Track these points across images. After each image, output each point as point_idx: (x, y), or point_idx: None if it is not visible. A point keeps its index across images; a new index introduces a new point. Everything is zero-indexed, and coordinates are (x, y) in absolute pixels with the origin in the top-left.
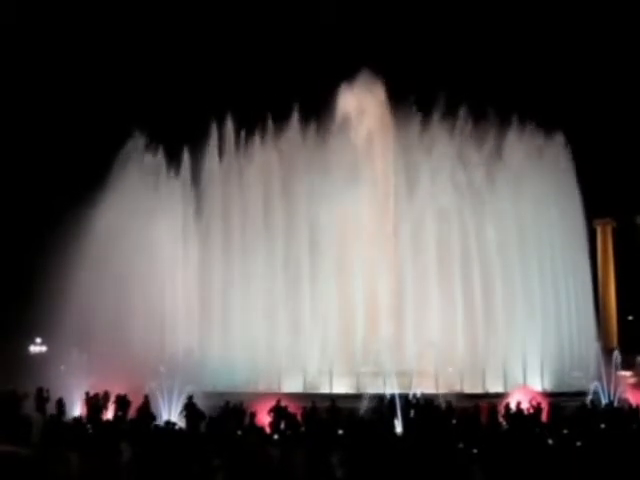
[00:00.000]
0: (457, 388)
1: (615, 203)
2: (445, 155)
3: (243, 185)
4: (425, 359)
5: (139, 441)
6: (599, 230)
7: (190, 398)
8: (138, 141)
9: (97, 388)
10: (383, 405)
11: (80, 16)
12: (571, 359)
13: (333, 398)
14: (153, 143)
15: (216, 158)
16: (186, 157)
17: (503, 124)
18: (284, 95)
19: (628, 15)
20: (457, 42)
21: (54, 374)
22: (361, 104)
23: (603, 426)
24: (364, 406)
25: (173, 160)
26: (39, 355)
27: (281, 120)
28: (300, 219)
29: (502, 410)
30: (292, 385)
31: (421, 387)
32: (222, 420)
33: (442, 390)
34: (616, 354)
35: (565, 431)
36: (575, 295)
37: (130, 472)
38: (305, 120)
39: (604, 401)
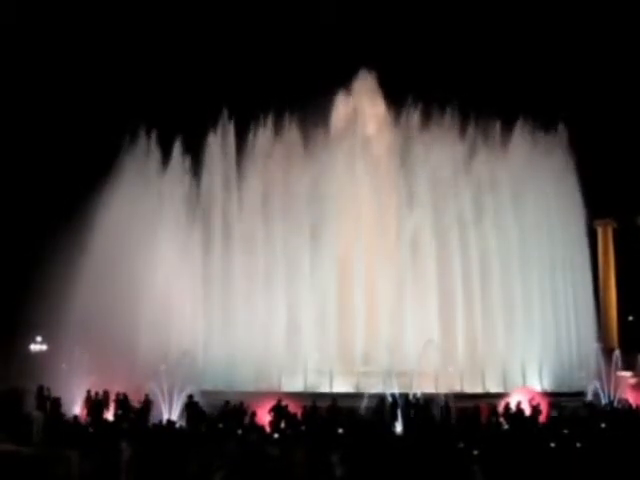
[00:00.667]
0: (457, 388)
1: (616, 204)
2: (445, 160)
3: (243, 187)
4: (425, 359)
5: (139, 440)
6: (600, 231)
7: (190, 397)
8: (140, 139)
9: (97, 387)
10: (383, 405)
11: (80, 15)
12: (570, 359)
13: (333, 397)
14: (156, 141)
15: (218, 157)
16: (185, 158)
17: (503, 126)
18: (283, 95)
19: (630, 16)
20: (457, 43)
21: (55, 373)
22: (360, 107)
23: (603, 426)
24: (364, 405)
25: (176, 160)
26: (40, 353)
27: (280, 122)
28: (301, 220)
29: (502, 410)
30: (292, 384)
31: (421, 387)
32: (222, 419)
33: (442, 390)
34: (616, 354)
35: (565, 431)
36: (574, 295)
37: (130, 471)
38: (304, 122)
39: (604, 401)
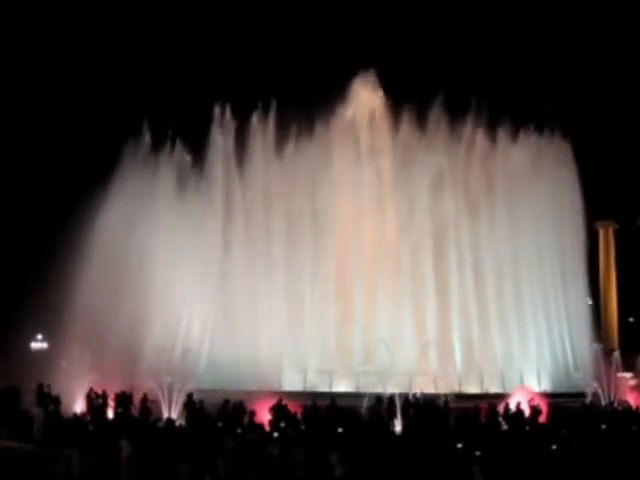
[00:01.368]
0: (456, 388)
1: (617, 205)
2: (444, 165)
3: (245, 187)
4: (423, 358)
5: (139, 438)
6: (601, 232)
7: (190, 396)
8: (146, 140)
9: (98, 385)
10: (382, 404)
11: (80, 15)
12: (565, 360)
13: (333, 397)
14: (165, 142)
15: (219, 159)
16: (187, 156)
17: (503, 128)
18: (283, 95)
19: (629, 17)
20: (457, 44)
21: (55, 371)
22: (361, 110)
23: (603, 427)
24: (364, 405)
25: (177, 158)
26: (40, 351)
27: (280, 136)
28: (302, 221)
29: (502, 411)
30: (292, 383)
31: (420, 387)
32: (222, 418)
33: (441, 390)
34: (616, 355)
35: (564, 432)
36: (565, 298)
37: (130, 469)
38: (304, 124)
39: (604, 402)
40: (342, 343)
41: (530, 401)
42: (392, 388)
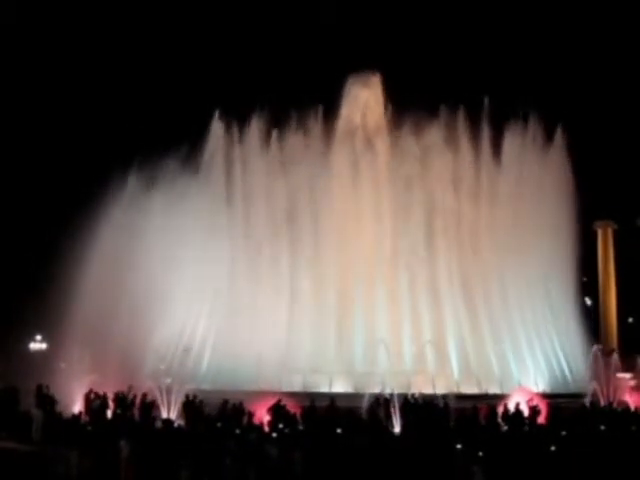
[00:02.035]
0: (454, 389)
1: (616, 205)
2: (442, 169)
3: (246, 192)
4: (422, 360)
5: (138, 439)
6: (600, 232)
7: (189, 397)
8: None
9: (97, 386)
10: (381, 405)
11: (79, 15)
12: (558, 361)
13: (332, 397)
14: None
15: (220, 162)
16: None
17: (502, 126)
18: (282, 96)
19: (629, 16)
20: (456, 43)
21: (54, 371)
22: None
23: (602, 428)
24: (363, 405)
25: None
26: (39, 352)
27: (280, 140)
28: (302, 220)
29: (501, 411)
30: (291, 384)
31: (419, 387)
32: (221, 419)
33: (440, 391)
34: (615, 356)
35: (563, 433)
36: (552, 299)
37: (129, 470)
38: (304, 127)
39: (603, 403)
40: (341, 344)
41: (529, 402)
42: (391, 388)
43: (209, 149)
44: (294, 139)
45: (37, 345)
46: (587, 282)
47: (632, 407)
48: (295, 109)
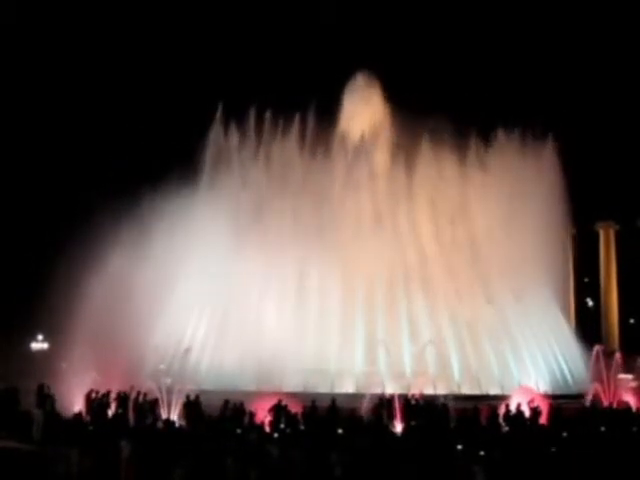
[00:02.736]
0: (455, 390)
1: (618, 206)
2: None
3: (248, 199)
4: (422, 361)
5: (139, 439)
6: (601, 233)
7: (189, 397)
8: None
9: (98, 386)
10: (382, 405)
11: (79, 15)
12: (557, 362)
13: (333, 397)
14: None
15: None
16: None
17: (491, 131)
18: (281, 100)
19: (618, 18)
20: (453, 44)
21: (55, 371)
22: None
23: (603, 429)
24: (364, 406)
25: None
26: (40, 352)
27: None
28: (308, 223)
29: (502, 412)
30: (292, 384)
31: (419, 388)
32: (222, 419)
33: (441, 392)
34: (617, 357)
35: (565, 434)
36: (544, 300)
37: (129, 470)
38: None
39: (604, 404)
40: (343, 344)
41: (530, 402)
42: (392, 389)
43: (209, 162)
44: (294, 152)
45: (38, 345)
46: (589, 283)
47: (634, 408)
48: (293, 117)
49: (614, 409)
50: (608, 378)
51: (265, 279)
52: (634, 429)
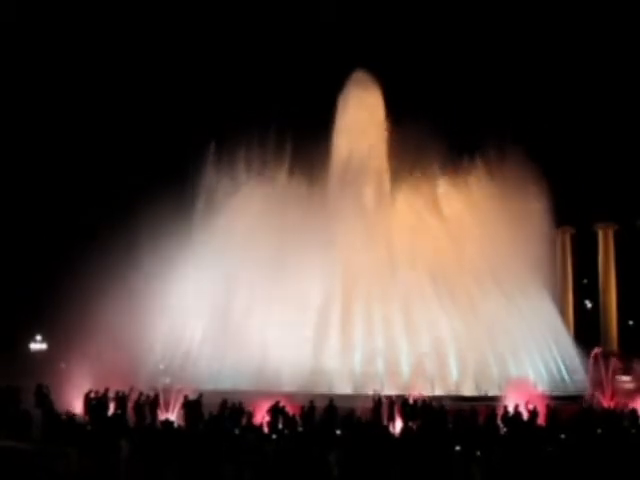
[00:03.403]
0: (453, 391)
1: (617, 207)
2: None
3: (248, 215)
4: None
5: (138, 439)
6: (600, 234)
7: (187, 397)
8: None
9: (96, 386)
10: (381, 406)
11: (80, 15)
12: (556, 364)
13: (331, 398)
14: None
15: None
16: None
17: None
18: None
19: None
20: (452, 45)
21: (54, 371)
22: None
23: (600, 431)
24: (362, 407)
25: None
26: (39, 352)
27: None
28: (309, 250)
29: (500, 413)
30: (291, 385)
31: (418, 389)
32: (220, 419)
33: (439, 392)
34: (614, 359)
35: (562, 435)
36: (534, 303)
37: (128, 470)
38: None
39: (602, 405)
40: (342, 345)
41: (527, 403)
42: (390, 390)
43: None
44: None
45: (37, 345)
46: (587, 284)
47: (631, 409)
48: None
49: (611, 411)
50: (606, 380)
51: (266, 283)
52: (632, 431)
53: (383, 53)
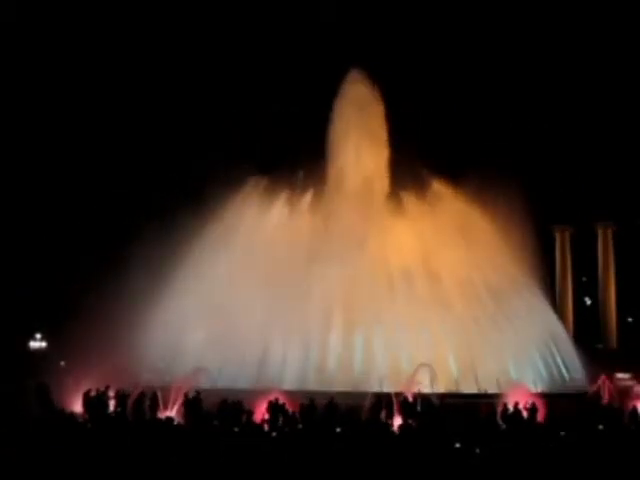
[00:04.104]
0: (454, 388)
1: (616, 206)
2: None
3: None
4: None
5: (138, 437)
6: (600, 233)
7: (188, 395)
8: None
9: (96, 384)
10: (381, 403)
11: (80, 14)
12: (554, 361)
13: (332, 396)
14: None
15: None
16: None
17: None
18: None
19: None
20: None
21: (54, 370)
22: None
23: (600, 427)
24: (362, 404)
25: None
26: (39, 351)
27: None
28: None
29: (500, 411)
30: (290, 382)
31: (418, 387)
32: (220, 417)
33: (439, 390)
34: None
35: (562, 432)
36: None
37: (128, 467)
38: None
39: (601, 403)
40: (342, 344)
41: (526, 402)
42: (390, 388)
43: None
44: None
45: (37, 343)
46: (587, 282)
47: (631, 407)
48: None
49: (612, 407)
50: (606, 377)
51: (268, 285)
52: (632, 427)
53: (381, 54)
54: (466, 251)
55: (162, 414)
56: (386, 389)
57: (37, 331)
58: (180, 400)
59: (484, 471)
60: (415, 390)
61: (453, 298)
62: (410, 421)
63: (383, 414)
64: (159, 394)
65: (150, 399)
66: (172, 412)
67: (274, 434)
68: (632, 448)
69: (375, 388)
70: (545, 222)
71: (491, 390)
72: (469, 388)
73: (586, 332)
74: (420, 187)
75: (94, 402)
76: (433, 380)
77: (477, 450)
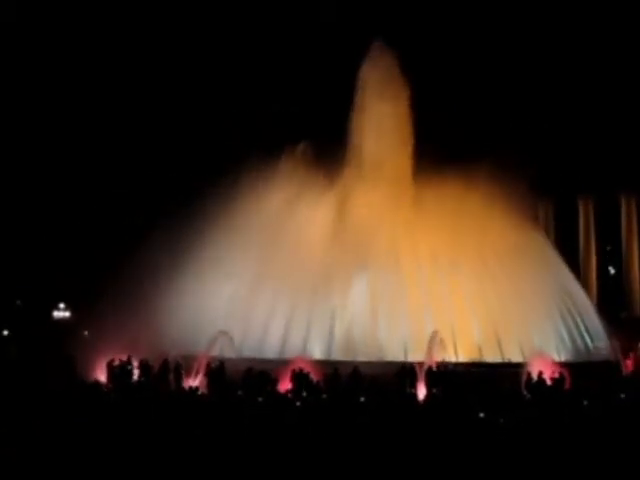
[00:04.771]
0: (477, 357)
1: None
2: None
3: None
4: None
5: (162, 407)
6: (623, 202)
7: (211, 365)
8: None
9: (120, 354)
10: (405, 373)
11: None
12: (578, 330)
13: (356, 365)
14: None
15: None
16: None
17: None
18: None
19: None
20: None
21: (78, 339)
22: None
23: (623, 396)
24: (386, 373)
25: None
26: (62, 320)
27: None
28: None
29: (524, 380)
30: (315, 352)
31: (441, 356)
32: (244, 387)
33: (462, 359)
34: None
35: (586, 401)
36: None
37: (152, 438)
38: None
39: (625, 371)
40: (367, 313)
41: (552, 371)
42: (414, 357)
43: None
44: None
45: (60, 313)
46: (611, 251)
47: None
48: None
49: (636, 376)
50: (630, 345)
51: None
52: None
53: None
54: (490, 219)
55: (186, 384)
56: (410, 359)
57: (61, 301)
58: (203, 370)
59: (508, 441)
60: (439, 359)
61: (477, 268)
62: (434, 390)
63: (407, 384)
64: (183, 363)
65: (174, 369)
66: (196, 382)
67: (298, 404)
68: None
69: (399, 358)
70: (568, 193)
71: (515, 359)
72: (493, 357)
73: (610, 301)
74: (442, 168)
75: (118, 372)
76: (447, 346)
77: (501, 420)
